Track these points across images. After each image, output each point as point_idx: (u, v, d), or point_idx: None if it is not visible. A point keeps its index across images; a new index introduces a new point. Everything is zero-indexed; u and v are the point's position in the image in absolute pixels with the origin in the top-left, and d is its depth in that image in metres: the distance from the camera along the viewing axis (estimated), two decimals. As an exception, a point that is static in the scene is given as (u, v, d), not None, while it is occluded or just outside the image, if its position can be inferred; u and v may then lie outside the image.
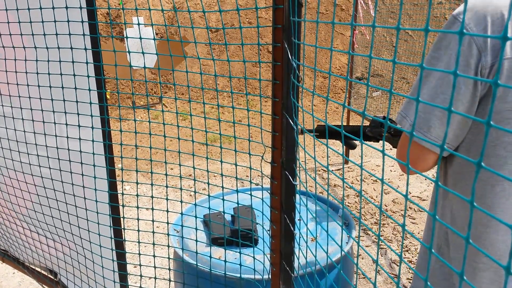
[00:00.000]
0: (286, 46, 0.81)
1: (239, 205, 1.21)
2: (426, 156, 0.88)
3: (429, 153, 0.88)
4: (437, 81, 0.85)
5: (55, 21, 1.15)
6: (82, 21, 1.13)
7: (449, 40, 0.83)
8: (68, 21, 1.12)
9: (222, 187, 0.96)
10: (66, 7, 1.11)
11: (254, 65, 7.79)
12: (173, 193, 4.06)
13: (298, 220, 0.93)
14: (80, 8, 1.11)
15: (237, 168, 4.34)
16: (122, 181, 1.12)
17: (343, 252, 1.18)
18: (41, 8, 1.15)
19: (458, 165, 0.92)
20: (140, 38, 0.92)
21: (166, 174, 0.99)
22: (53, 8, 1.13)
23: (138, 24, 1.06)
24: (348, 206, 3.65)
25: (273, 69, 0.85)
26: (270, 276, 0.95)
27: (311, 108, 0.78)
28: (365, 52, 8.45)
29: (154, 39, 0.92)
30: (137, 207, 1.08)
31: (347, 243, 1.35)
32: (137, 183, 1.04)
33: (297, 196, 0.91)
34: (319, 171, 4.33)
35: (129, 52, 0.99)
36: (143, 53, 0.95)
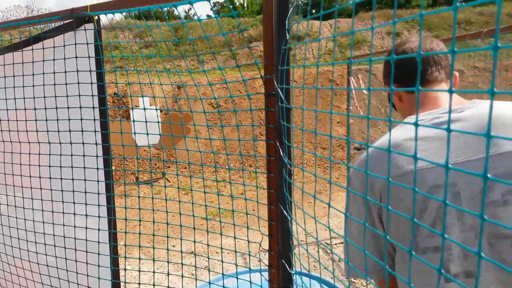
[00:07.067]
0: (278, 144, 0.90)
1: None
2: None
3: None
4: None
5: (67, 107, 1.26)
6: (93, 107, 1.24)
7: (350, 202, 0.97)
8: (80, 107, 1.23)
9: (222, 261, 1.00)
10: (79, 95, 1.23)
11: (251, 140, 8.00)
12: (174, 268, 3.99)
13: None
14: (92, 96, 1.23)
15: (239, 242, 4.30)
16: (125, 257, 1.16)
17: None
18: (56, 97, 1.27)
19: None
20: (146, 121, 1.02)
21: (167, 249, 1.04)
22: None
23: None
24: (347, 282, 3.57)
25: (267, 164, 0.93)
26: None
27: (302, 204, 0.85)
28: (361, 124, 8.70)
29: (158, 122, 1.01)
30: (139, 284, 1.10)
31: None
32: (139, 259, 1.08)
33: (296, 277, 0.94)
34: (312, 246, 4.28)
35: (135, 133, 1.09)
36: (147, 134, 1.05)
